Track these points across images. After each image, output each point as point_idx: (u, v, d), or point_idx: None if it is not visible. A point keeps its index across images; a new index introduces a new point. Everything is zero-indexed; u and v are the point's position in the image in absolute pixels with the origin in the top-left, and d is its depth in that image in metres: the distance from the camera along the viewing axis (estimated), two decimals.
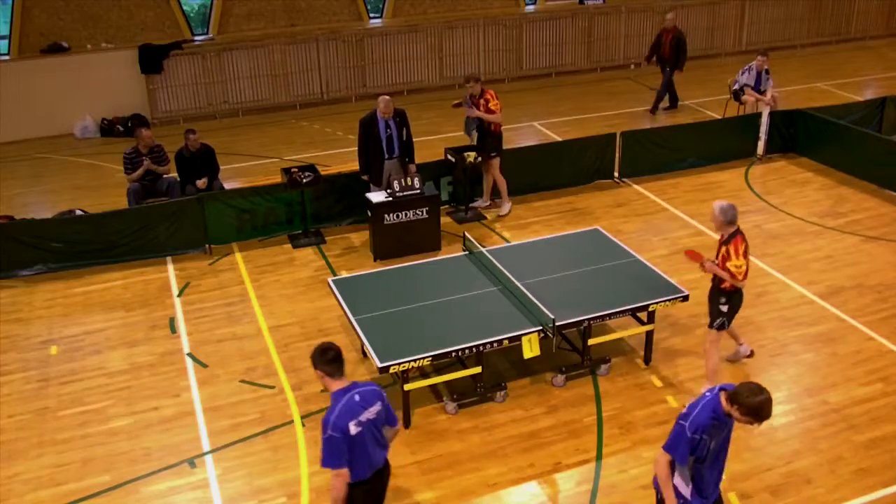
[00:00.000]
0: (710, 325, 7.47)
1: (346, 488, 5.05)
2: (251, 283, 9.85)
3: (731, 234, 7.12)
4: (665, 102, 15.77)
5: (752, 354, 8.13)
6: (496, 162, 11.20)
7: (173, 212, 10.36)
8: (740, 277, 7.05)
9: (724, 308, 7.34)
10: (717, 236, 10.56)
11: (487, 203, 11.68)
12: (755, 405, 4.79)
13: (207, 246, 10.63)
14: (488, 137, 11.01)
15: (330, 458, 4.96)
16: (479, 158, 10.97)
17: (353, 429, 4.97)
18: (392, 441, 5.47)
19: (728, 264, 7.05)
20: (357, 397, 5.07)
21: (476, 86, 10.91)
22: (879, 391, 7.66)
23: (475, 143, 11.21)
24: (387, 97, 10.34)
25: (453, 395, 7.50)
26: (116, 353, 8.57)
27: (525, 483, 6.68)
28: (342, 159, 13.20)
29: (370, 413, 5.09)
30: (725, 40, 19.43)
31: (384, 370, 6.88)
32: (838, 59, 19.14)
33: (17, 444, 7.26)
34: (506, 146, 13.30)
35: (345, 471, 4.99)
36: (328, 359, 5.05)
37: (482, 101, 10.90)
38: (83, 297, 9.69)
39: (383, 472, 5.40)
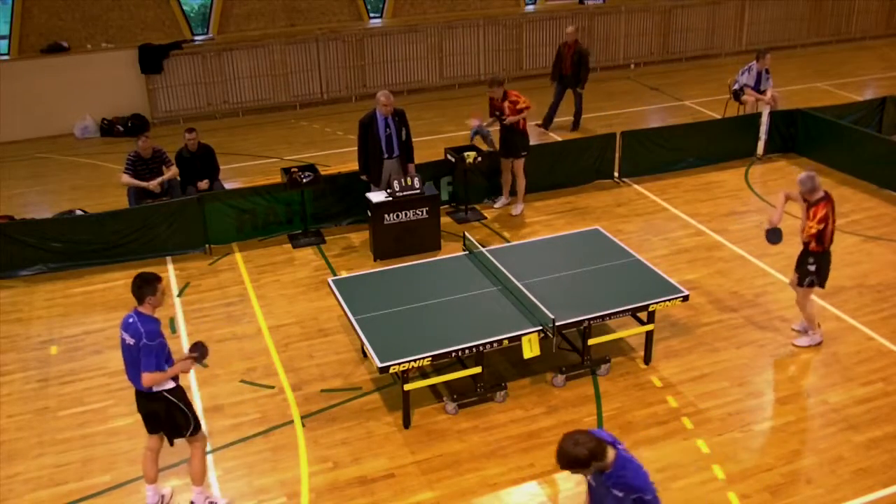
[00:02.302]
0: (801, 284, 8.10)
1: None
2: (251, 283, 9.85)
3: (815, 200, 7.86)
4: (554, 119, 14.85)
5: (820, 344, 8.43)
6: (523, 161, 11.17)
7: (173, 212, 10.36)
8: (804, 237, 7.87)
9: (812, 268, 8.00)
10: (716, 236, 10.64)
11: (508, 201, 11.64)
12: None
13: (207, 246, 10.63)
14: (517, 136, 10.96)
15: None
16: (480, 158, 10.97)
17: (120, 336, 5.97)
18: (144, 384, 5.93)
19: (806, 223, 7.87)
20: (131, 320, 5.99)
21: (499, 90, 10.81)
22: (879, 391, 7.66)
23: (511, 147, 11.06)
24: (386, 91, 10.31)
25: (453, 395, 7.50)
26: (116, 352, 8.51)
27: (525, 483, 6.68)
28: (342, 159, 13.20)
29: (126, 337, 5.93)
30: (725, 40, 19.42)
31: (384, 370, 6.89)
32: (838, 59, 19.14)
33: (17, 444, 7.27)
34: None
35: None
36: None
37: (507, 104, 10.81)
38: (83, 297, 9.70)
39: (137, 394, 6.15)
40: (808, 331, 8.39)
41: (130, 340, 5.94)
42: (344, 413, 7.54)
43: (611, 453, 4.42)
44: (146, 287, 6.03)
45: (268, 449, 7.09)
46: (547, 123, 14.69)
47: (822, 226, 7.77)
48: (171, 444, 6.36)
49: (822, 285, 8.12)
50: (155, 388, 6.01)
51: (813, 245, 7.90)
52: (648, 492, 4.47)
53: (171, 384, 6.09)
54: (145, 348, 5.86)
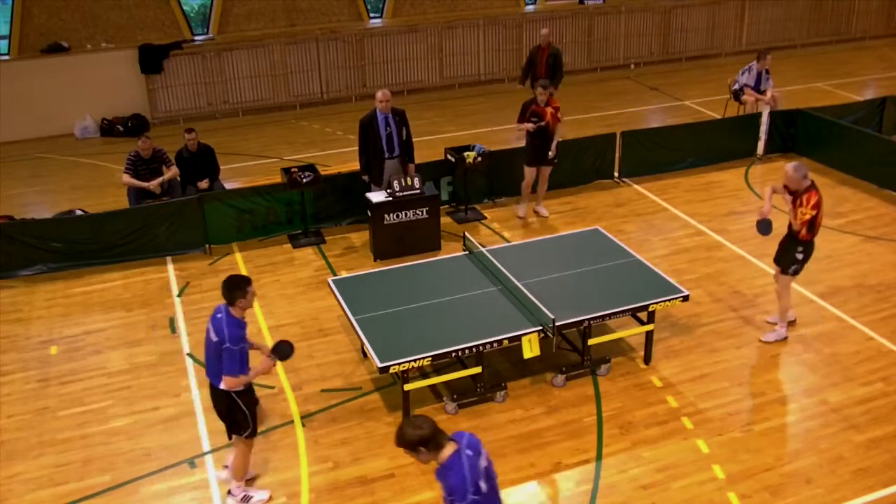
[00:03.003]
0: (785, 272, 8.20)
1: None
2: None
3: (804, 188, 7.91)
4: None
5: (794, 320, 8.66)
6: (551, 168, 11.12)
7: (173, 212, 10.36)
8: (797, 225, 7.92)
9: (800, 256, 8.11)
10: (716, 236, 10.63)
11: (526, 209, 11.38)
12: None
13: (207, 246, 10.63)
14: (550, 143, 10.82)
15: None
16: (479, 159, 10.97)
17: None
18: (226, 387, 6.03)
19: (797, 211, 7.92)
20: (219, 315, 6.12)
21: (545, 92, 10.57)
22: (879, 391, 7.66)
23: (544, 155, 10.84)
24: (384, 88, 10.31)
25: (453, 395, 7.50)
26: (116, 353, 8.57)
27: (525, 483, 6.68)
28: (342, 159, 13.21)
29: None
30: (725, 40, 19.43)
31: (384, 370, 6.88)
32: (838, 59, 19.15)
33: (17, 444, 7.27)
34: (505, 147, 13.36)
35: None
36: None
37: (550, 110, 10.61)
38: (83, 297, 9.69)
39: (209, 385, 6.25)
40: (777, 325, 8.46)
41: (214, 337, 6.04)
42: (344, 413, 7.54)
43: (447, 450, 4.50)
44: (237, 291, 6.06)
45: (268, 449, 7.09)
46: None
47: (815, 212, 7.87)
48: (230, 438, 6.51)
49: (801, 271, 8.24)
50: (223, 387, 6.09)
51: (803, 233, 7.99)
52: (459, 498, 4.44)
53: (241, 387, 6.16)
54: (228, 352, 5.95)
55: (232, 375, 6.00)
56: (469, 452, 4.54)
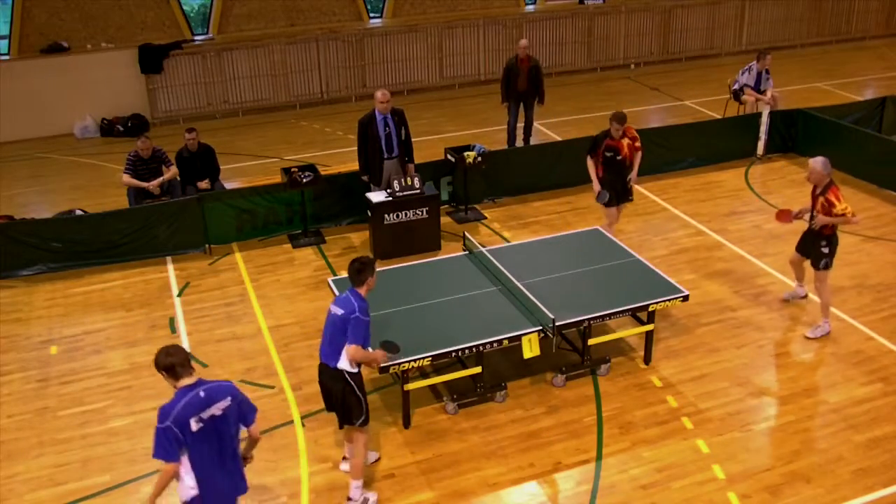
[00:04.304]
0: (817, 268, 8.34)
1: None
2: (251, 283, 9.85)
3: (826, 185, 8.09)
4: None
5: (805, 296, 8.96)
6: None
7: (173, 212, 10.36)
8: (850, 215, 8.06)
9: (826, 250, 8.26)
10: (716, 236, 10.63)
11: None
12: None
13: (207, 246, 10.63)
14: (627, 177, 9.79)
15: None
16: (479, 159, 10.95)
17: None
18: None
19: (835, 210, 8.01)
20: (344, 295, 5.96)
21: (621, 128, 9.48)
22: (879, 391, 7.66)
23: (612, 198, 9.75)
24: (383, 88, 10.30)
25: (453, 395, 7.50)
26: (116, 352, 8.58)
27: (525, 483, 6.68)
28: (342, 159, 13.21)
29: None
30: (725, 40, 19.43)
31: (384, 370, 6.88)
32: (838, 59, 19.15)
33: (17, 444, 7.27)
34: (506, 147, 13.37)
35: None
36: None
37: (626, 141, 9.58)
38: (83, 297, 9.69)
39: (321, 368, 6.14)
40: (822, 321, 8.52)
41: (339, 311, 6.05)
42: None
43: (182, 381, 5.00)
44: (366, 271, 6.18)
45: (268, 449, 7.09)
46: (511, 142, 13.46)
47: (847, 204, 8.07)
48: (341, 426, 6.45)
49: (832, 263, 8.35)
50: (340, 366, 6.09)
51: (827, 228, 8.17)
52: (159, 421, 4.91)
53: (356, 369, 6.17)
54: (357, 321, 5.98)
55: (357, 344, 6.01)
56: (201, 394, 4.98)
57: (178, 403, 4.92)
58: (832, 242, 8.25)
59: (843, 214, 8.02)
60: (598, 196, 9.73)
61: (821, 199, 8.13)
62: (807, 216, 8.37)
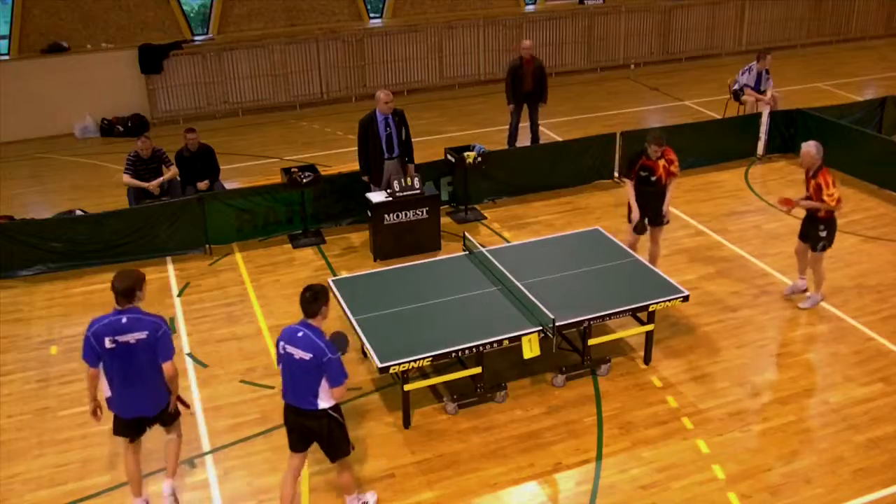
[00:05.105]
0: (814, 249, 8.70)
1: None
2: (251, 283, 9.85)
3: (817, 168, 8.44)
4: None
5: (806, 290, 9.10)
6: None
7: (173, 212, 10.36)
8: (834, 203, 8.33)
9: (823, 234, 8.59)
10: (716, 236, 10.63)
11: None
12: None
13: (207, 246, 10.63)
14: (662, 199, 9.13)
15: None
16: (479, 159, 10.95)
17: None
18: (335, 398, 5.76)
19: (823, 195, 8.32)
20: (300, 334, 5.71)
21: (659, 150, 8.87)
22: (879, 391, 7.66)
23: (655, 214, 9.17)
24: (386, 90, 10.30)
25: (453, 396, 7.50)
26: None
27: (525, 483, 6.68)
28: (342, 159, 13.20)
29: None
30: (725, 40, 19.43)
31: (384, 370, 6.88)
32: (838, 59, 19.15)
33: (17, 444, 7.27)
34: (506, 147, 13.37)
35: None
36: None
37: (663, 163, 8.92)
38: (83, 297, 9.69)
39: (295, 411, 5.89)
40: (815, 293, 8.92)
41: (306, 355, 5.67)
42: (344, 413, 7.50)
43: (117, 306, 5.89)
44: (320, 300, 5.78)
45: (268, 449, 7.09)
46: (512, 143, 13.39)
47: (836, 189, 8.39)
48: (333, 461, 6.13)
49: (831, 245, 8.72)
50: (322, 407, 5.79)
51: (822, 213, 8.51)
52: (87, 330, 5.89)
53: (334, 402, 5.88)
54: (333, 363, 5.66)
55: (343, 383, 5.72)
56: (123, 321, 5.83)
57: (102, 321, 5.86)
58: (830, 227, 8.59)
59: (825, 201, 8.38)
60: (635, 227, 9.14)
61: (812, 181, 8.51)
62: (804, 203, 8.65)
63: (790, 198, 8.78)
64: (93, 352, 5.87)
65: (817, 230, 8.65)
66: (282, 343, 5.84)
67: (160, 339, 5.90)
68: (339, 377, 5.71)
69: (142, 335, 5.85)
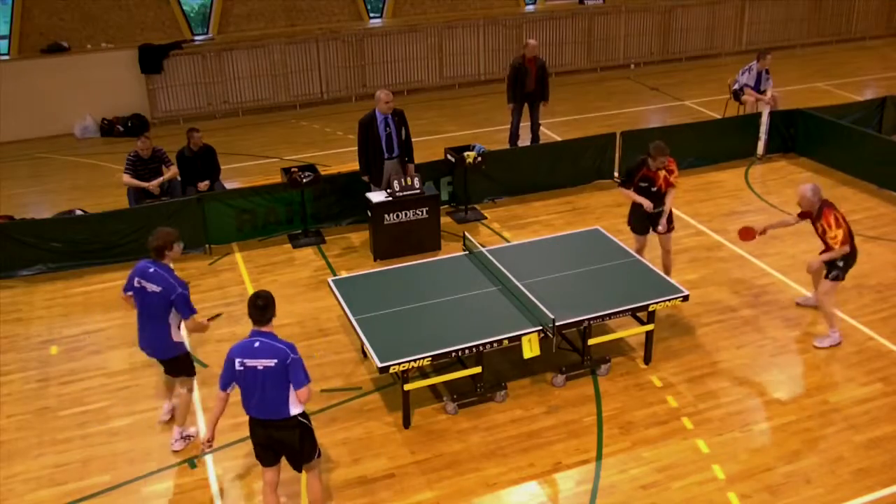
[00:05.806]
0: (826, 276, 8.14)
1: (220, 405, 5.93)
2: (251, 283, 9.85)
3: (819, 209, 7.96)
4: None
5: (840, 343, 8.43)
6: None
7: (173, 212, 10.35)
8: (837, 246, 7.86)
9: (840, 263, 8.05)
10: (716, 236, 10.63)
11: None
12: None
13: (207, 246, 10.63)
14: (669, 212, 9.01)
15: (221, 376, 5.88)
16: (479, 159, 10.94)
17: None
18: (302, 401, 5.73)
19: (827, 237, 7.90)
20: (257, 344, 5.72)
21: (664, 161, 8.69)
22: (879, 391, 7.66)
23: (653, 224, 9.02)
24: (387, 89, 10.30)
25: (453, 395, 7.50)
26: (116, 352, 8.57)
27: (525, 483, 6.68)
28: (342, 159, 13.20)
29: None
30: (725, 40, 19.43)
31: (384, 370, 6.88)
32: (838, 59, 19.15)
33: (17, 444, 7.27)
34: (506, 147, 13.37)
35: (222, 393, 5.84)
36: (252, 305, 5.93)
37: (663, 173, 8.78)
38: (83, 297, 9.69)
39: (264, 424, 5.79)
40: (830, 331, 8.31)
41: (270, 363, 5.59)
42: (344, 413, 7.54)
43: (154, 257, 6.70)
44: (271, 307, 5.81)
45: None
46: (514, 143, 13.38)
47: (842, 228, 7.86)
48: (299, 470, 6.06)
49: (843, 278, 8.13)
50: (293, 413, 5.70)
51: (840, 249, 7.94)
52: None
53: (303, 407, 5.81)
54: (296, 363, 5.61)
55: (305, 386, 5.65)
56: (150, 270, 6.65)
57: (137, 268, 6.71)
58: (847, 260, 8.04)
59: (828, 244, 7.90)
60: (634, 227, 9.19)
61: (818, 224, 8.01)
62: (824, 256, 8.01)
63: (752, 227, 8.49)
64: (131, 288, 6.70)
65: (834, 261, 8.04)
66: (237, 360, 5.67)
67: (179, 297, 6.66)
68: (303, 378, 5.64)
69: (157, 287, 6.61)
